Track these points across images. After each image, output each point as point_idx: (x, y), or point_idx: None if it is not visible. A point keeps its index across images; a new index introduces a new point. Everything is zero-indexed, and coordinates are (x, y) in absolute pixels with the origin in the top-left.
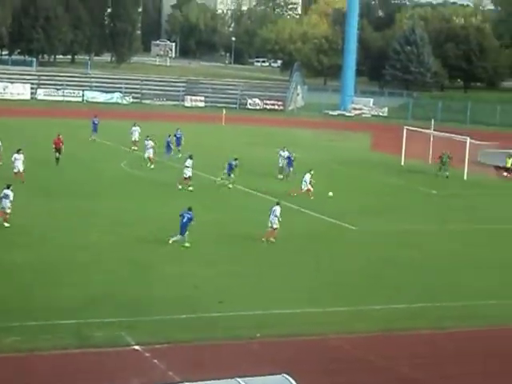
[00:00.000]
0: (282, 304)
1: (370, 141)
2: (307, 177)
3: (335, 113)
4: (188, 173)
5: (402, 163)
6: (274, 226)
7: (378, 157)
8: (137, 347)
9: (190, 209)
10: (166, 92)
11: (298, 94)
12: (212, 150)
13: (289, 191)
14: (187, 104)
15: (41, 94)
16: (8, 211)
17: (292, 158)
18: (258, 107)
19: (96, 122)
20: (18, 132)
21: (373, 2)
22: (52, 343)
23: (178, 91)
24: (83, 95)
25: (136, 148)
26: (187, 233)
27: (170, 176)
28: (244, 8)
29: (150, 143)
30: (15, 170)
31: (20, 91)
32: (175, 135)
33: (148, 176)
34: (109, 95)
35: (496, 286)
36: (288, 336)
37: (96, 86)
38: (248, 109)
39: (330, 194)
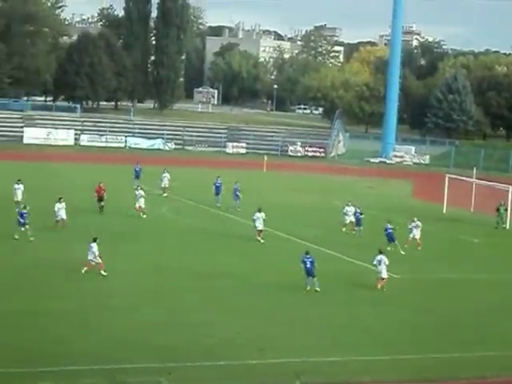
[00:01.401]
0: (321, 352)
1: (411, 188)
2: (417, 232)
3: (376, 160)
4: (259, 226)
5: (444, 211)
6: (383, 276)
7: (419, 204)
8: None
9: (307, 253)
10: (207, 138)
11: (339, 141)
12: (253, 197)
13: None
14: (229, 150)
15: (84, 139)
16: (97, 260)
17: (360, 216)
18: (299, 154)
19: (138, 169)
20: (61, 177)
21: (415, 51)
22: None
23: (220, 138)
24: (126, 141)
25: (166, 194)
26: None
27: (212, 223)
28: (286, 56)
29: (141, 193)
30: (57, 219)
31: (64, 137)
32: (215, 184)
33: (189, 223)
34: (151, 141)
35: None
36: None
37: (139, 133)
38: (289, 155)
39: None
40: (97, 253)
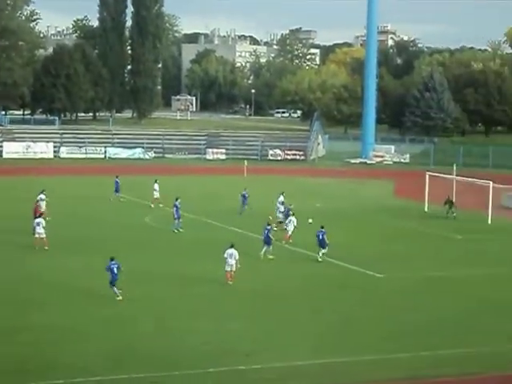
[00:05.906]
0: (307, 355)
1: (393, 188)
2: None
3: (357, 161)
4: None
5: (426, 209)
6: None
7: (401, 203)
8: None
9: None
10: (187, 146)
11: (318, 144)
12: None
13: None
14: (209, 157)
15: (64, 152)
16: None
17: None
18: (279, 158)
19: (118, 182)
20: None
21: (391, 51)
22: None
23: (200, 144)
24: (105, 152)
25: (158, 205)
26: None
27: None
28: (262, 60)
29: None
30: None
31: (43, 150)
32: (243, 195)
33: (174, 232)
34: (131, 151)
35: None
36: None
37: (118, 143)
38: (269, 160)
39: (310, 220)
40: None
